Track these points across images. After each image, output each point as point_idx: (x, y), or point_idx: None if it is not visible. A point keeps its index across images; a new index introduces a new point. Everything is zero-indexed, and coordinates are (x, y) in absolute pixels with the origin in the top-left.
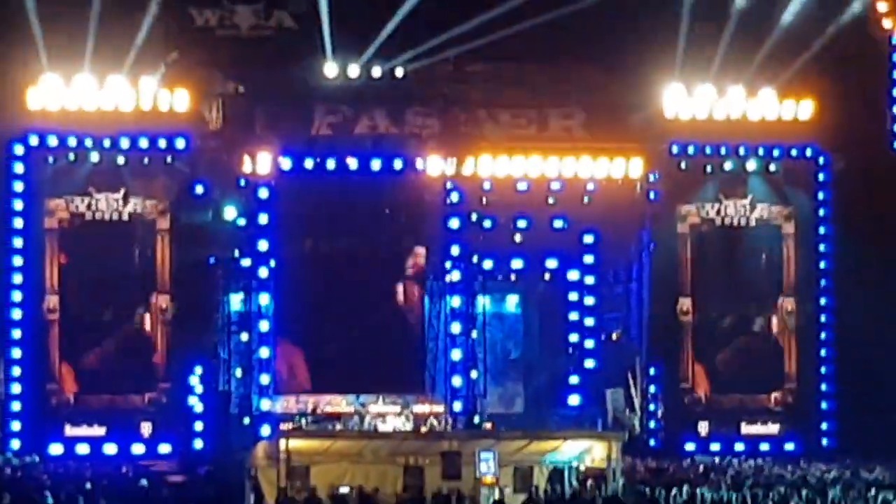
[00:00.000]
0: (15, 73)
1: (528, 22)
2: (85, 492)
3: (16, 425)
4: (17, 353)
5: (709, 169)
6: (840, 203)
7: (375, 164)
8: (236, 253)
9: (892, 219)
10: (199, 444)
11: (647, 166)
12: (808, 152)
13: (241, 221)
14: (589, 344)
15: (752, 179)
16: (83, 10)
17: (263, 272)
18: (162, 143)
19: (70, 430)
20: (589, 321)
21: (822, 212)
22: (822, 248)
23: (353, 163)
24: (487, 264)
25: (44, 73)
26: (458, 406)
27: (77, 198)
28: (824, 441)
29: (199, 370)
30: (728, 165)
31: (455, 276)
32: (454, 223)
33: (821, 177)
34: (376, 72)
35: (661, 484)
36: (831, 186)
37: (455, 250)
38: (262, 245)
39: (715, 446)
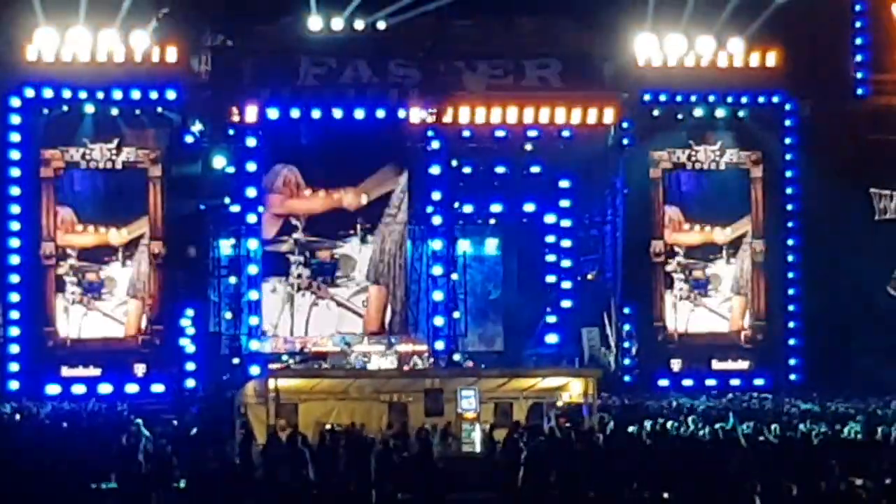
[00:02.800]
0: (12, 28)
1: None
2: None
3: (14, 367)
4: (14, 297)
5: (679, 116)
6: (806, 147)
7: (359, 114)
8: (227, 200)
9: (857, 160)
10: (190, 383)
11: (620, 114)
12: (776, 99)
13: (231, 169)
14: (566, 285)
15: (721, 125)
16: None
17: (252, 218)
18: (153, 95)
19: (66, 371)
20: (565, 263)
21: (789, 156)
22: (789, 190)
23: (337, 112)
24: (467, 209)
25: (39, 28)
26: (440, 345)
27: (72, 148)
28: (793, 376)
29: (190, 313)
30: (698, 112)
31: (436, 220)
32: (435, 170)
33: (788, 122)
34: (359, 25)
35: (636, 419)
36: (798, 131)
37: (436, 195)
38: (251, 192)
39: (687, 382)
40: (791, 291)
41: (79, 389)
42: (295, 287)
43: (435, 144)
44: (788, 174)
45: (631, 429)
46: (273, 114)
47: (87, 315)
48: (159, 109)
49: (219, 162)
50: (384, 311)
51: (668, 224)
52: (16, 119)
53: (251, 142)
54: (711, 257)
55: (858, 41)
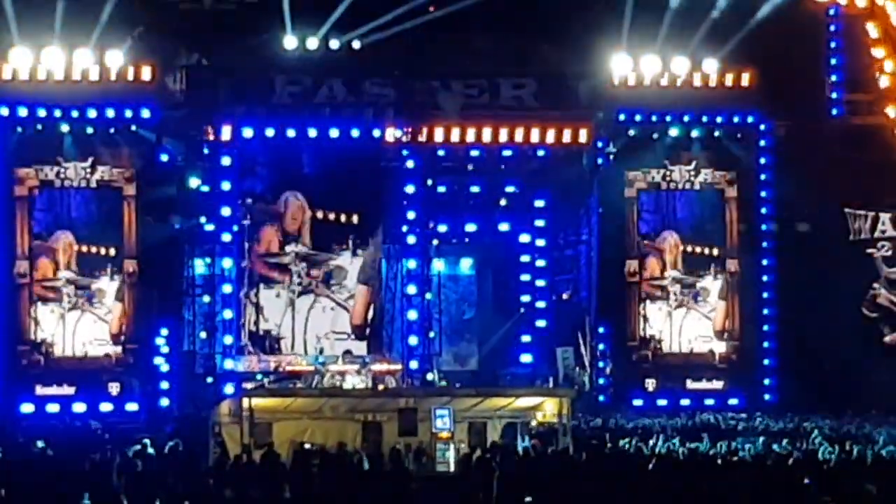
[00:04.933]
0: None
1: None
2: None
3: None
4: None
5: (654, 136)
6: (781, 166)
7: (334, 133)
8: (202, 219)
9: (832, 180)
10: (165, 402)
11: (595, 133)
12: (750, 118)
13: (205, 188)
14: (540, 304)
15: (696, 145)
16: None
17: (226, 237)
18: (128, 113)
19: (41, 390)
20: (540, 282)
21: (763, 176)
22: (763, 210)
23: (312, 131)
24: (442, 228)
25: (14, 47)
26: (414, 365)
27: (46, 166)
28: (766, 396)
29: (164, 332)
30: (673, 132)
31: (411, 239)
32: (410, 189)
33: (763, 142)
34: (334, 44)
35: (610, 438)
36: (773, 151)
37: (411, 215)
38: (226, 211)
39: (662, 402)
40: (766, 311)
41: (53, 408)
42: (296, 293)
43: (410, 164)
44: (763, 194)
45: (605, 449)
46: (248, 132)
47: (80, 320)
48: (134, 128)
49: (193, 181)
50: (368, 307)
51: (667, 249)
52: None
53: (226, 160)
54: (701, 273)
55: (833, 61)
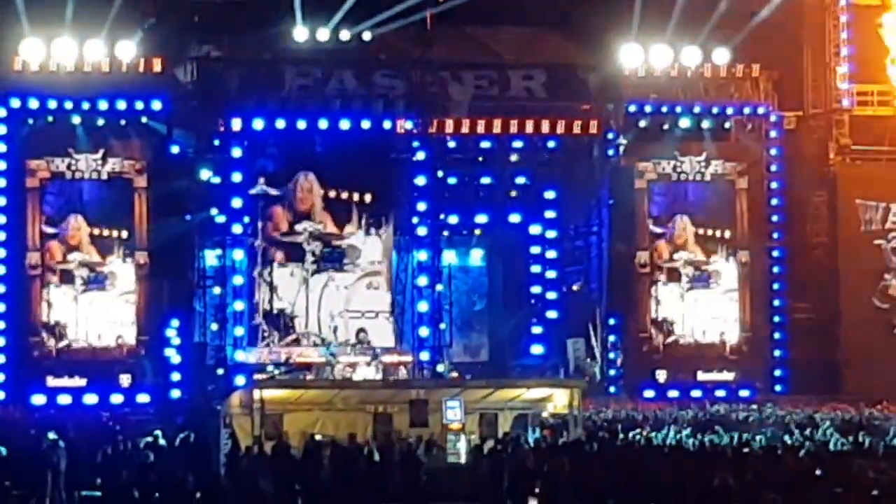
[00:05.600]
0: None
1: None
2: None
3: (0, 377)
4: (0, 307)
5: (665, 126)
6: (791, 157)
7: (344, 124)
8: (213, 211)
9: (842, 171)
10: (176, 393)
11: (606, 124)
12: (761, 110)
13: (216, 180)
14: (551, 295)
15: (706, 136)
16: None
17: (237, 228)
18: (139, 105)
19: (52, 381)
20: (551, 274)
21: (774, 167)
22: (774, 201)
23: (323, 123)
24: (452, 220)
25: (25, 38)
26: (425, 356)
27: (57, 158)
28: (778, 387)
29: (175, 323)
30: (684, 123)
31: (422, 231)
32: (420, 180)
33: (773, 133)
34: (345, 36)
35: (621, 429)
36: (783, 142)
37: (421, 206)
38: (236, 202)
39: (673, 393)
40: (776, 302)
41: (64, 400)
42: (310, 272)
43: (420, 155)
44: (773, 185)
45: (617, 440)
46: (258, 124)
47: (93, 302)
48: (144, 120)
49: (204, 173)
50: None
51: (679, 232)
52: (2, 129)
53: (237, 152)
54: (713, 255)
55: (843, 52)
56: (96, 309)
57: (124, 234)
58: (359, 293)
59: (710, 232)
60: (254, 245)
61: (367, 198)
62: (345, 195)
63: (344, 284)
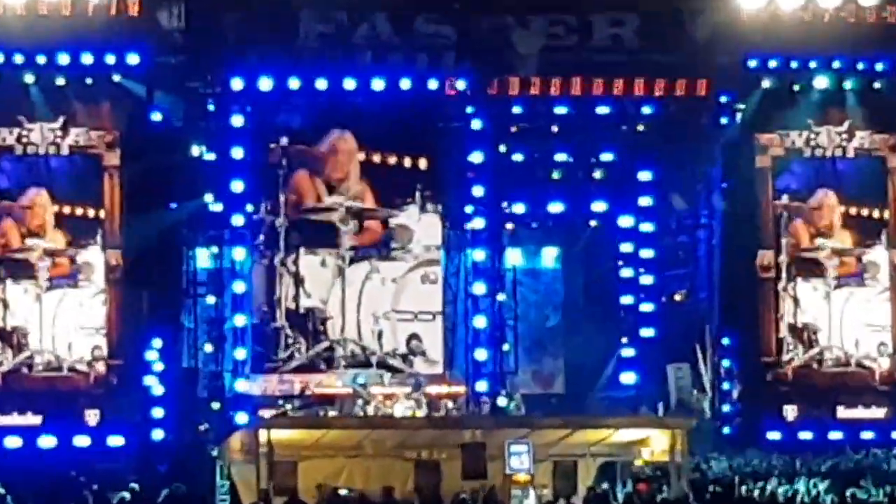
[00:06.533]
0: None
1: None
2: None
3: None
4: None
5: (795, 87)
6: None
7: (377, 84)
8: (207, 198)
9: None
10: (158, 435)
11: (717, 85)
12: None
13: (210, 156)
14: (646, 308)
15: (849, 100)
16: None
17: (238, 220)
18: (110, 59)
19: None
20: (646, 279)
21: None
22: None
23: (349, 82)
24: (518, 209)
25: None
26: (482, 386)
27: (4, 129)
28: None
29: (157, 344)
30: (820, 83)
31: (478, 223)
32: (476, 157)
33: None
34: None
35: (738, 482)
36: None
37: (478, 191)
38: (237, 186)
39: (805, 435)
40: None
41: (13, 443)
42: (346, 260)
43: (476, 124)
44: None
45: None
46: (265, 84)
47: (62, 302)
48: (117, 78)
49: (195, 149)
50: None
51: (820, 208)
52: None
53: (237, 120)
54: (868, 242)
55: None
56: (67, 309)
57: (101, 213)
58: (411, 288)
59: (864, 211)
60: (274, 225)
61: (423, 163)
62: (392, 160)
63: (391, 277)
